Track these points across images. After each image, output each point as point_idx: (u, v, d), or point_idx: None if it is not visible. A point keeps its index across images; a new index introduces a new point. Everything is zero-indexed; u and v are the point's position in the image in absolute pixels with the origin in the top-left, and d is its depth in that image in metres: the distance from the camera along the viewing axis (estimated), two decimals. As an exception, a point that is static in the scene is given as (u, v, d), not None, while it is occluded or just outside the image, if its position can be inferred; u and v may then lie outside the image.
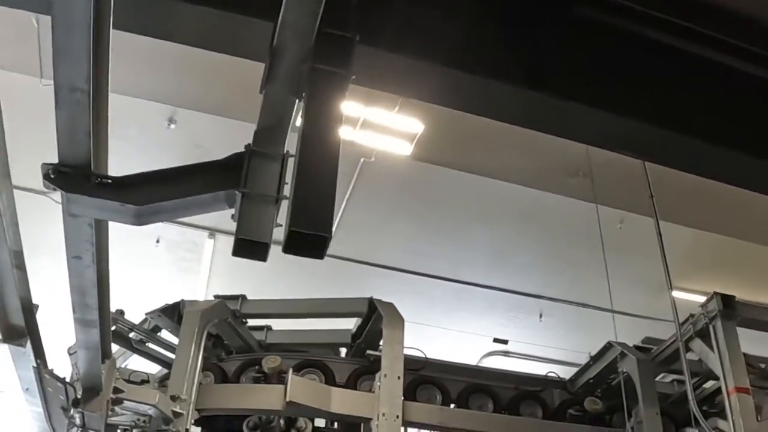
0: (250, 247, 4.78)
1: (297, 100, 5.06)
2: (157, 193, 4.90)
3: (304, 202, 4.49)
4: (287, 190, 4.82)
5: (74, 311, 6.35)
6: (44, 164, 4.82)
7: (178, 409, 8.29)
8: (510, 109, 7.15)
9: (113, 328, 9.73)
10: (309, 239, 4.44)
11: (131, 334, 10.27)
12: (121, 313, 10.13)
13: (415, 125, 11.39)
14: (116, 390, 7.90)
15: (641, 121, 7.17)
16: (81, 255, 5.56)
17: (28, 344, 6.66)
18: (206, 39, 6.72)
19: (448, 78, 6.63)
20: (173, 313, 10.02)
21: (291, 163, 4.93)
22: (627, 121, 7.13)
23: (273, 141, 5.12)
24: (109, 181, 4.92)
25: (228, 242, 5.17)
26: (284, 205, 4.76)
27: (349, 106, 10.99)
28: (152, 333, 10.40)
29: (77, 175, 4.81)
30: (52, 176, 4.81)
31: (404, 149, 11.95)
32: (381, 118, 11.42)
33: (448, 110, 10.17)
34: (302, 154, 4.67)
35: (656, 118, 7.20)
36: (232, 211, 5.00)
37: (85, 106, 4.37)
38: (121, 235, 13.94)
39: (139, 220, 4.94)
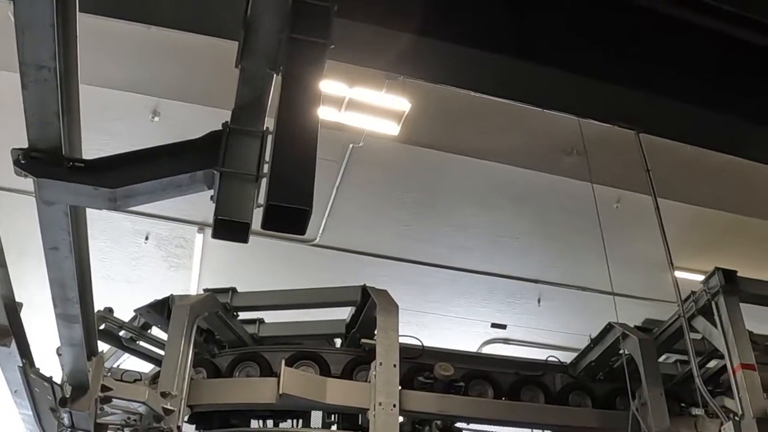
0: (230, 227, 4.57)
1: (275, 74, 4.87)
2: (131, 175, 4.70)
3: (282, 174, 4.32)
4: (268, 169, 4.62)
5: (55, 306, 6.12)
6: (14, 149, 4.63)
7: (168, 406, 8.09)
8: (497, 81, 6.98)
9: (102, 326, 9.60)
10: (288, 213, 4.25)
11: (121, 333, 10.10)
12: (110, 311, 9.99)
13: (402, 104, 11.11)
14: (104, 388, 7.66)
15: (629, 87, 7.01)
16: (58, 246, 5.34)
17: (13, 344, 6.50)
18: (180, 19, 6.54)
19: (432, 50, 6.45)
20: (162, 309, 9.78)
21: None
22: (615, 88, 6.97)
23: (252, 118, 4.92)
24: (82, 164, 4.72)
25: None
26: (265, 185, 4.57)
27: (333, 86, 10.77)
28: (142, 330, 10.23)
29: (48, 160, 4.63)
30: (23, 162, 4.62)
31: (391, 129, 11.65)
32: (367, 98, 11.12)
33: (436, 90, 9.99)
34: (280, 125, 4.49)
35: (644, 84, 7.05)
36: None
37: (53, 85, 4.20)
38: (112, 234, 14.00)
39: (114, 204, 4.74)
